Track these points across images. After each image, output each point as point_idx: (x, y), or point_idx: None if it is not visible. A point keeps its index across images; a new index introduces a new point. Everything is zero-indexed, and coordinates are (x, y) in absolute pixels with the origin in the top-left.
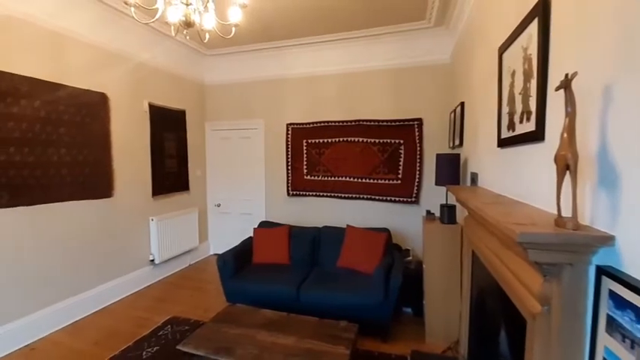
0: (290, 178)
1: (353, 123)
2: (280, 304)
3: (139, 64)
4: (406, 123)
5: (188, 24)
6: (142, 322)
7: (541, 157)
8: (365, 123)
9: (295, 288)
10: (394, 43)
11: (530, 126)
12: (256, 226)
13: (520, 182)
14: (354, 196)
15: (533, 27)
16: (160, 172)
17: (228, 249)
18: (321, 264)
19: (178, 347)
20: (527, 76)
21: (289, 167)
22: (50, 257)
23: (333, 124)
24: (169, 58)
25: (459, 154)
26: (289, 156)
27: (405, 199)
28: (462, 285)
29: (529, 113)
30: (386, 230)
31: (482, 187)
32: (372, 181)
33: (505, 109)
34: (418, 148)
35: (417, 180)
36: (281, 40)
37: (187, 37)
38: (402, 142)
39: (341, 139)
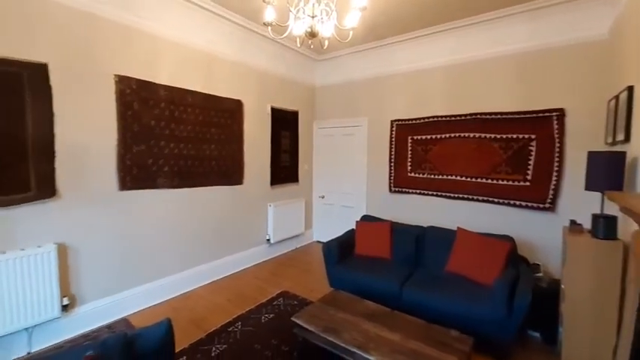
0: (392, 174)
1: (467, 117)
2: (381, 297)
3: (264, 73)
4: (540, 115)
5: (313, 34)
6: (261, 290)
7: None
8: (482, 117)
9: (398, 285)
10: (525, 24)
11: None
12: (358, 219)
13: None
14: (464, 196)
15: None
16: (277, 165)
17: (331, 238)
18: (425, 265)
19: (292, 319)
20: None
21: (392, 164)
22: (199, 229)
23: (442, 119)
24: (287, 66)
25: (624, 152)
26: (392, 152)
27: (535, 205)
28: (624, 318)
29: None
30: (509, 239)
31: None
32: (489, 181)
33: None
34: (557, 145)
35: (553, 182)
36: (384, 39)
37: (312, 46)
38: (532, 137)
39: (451, 135)
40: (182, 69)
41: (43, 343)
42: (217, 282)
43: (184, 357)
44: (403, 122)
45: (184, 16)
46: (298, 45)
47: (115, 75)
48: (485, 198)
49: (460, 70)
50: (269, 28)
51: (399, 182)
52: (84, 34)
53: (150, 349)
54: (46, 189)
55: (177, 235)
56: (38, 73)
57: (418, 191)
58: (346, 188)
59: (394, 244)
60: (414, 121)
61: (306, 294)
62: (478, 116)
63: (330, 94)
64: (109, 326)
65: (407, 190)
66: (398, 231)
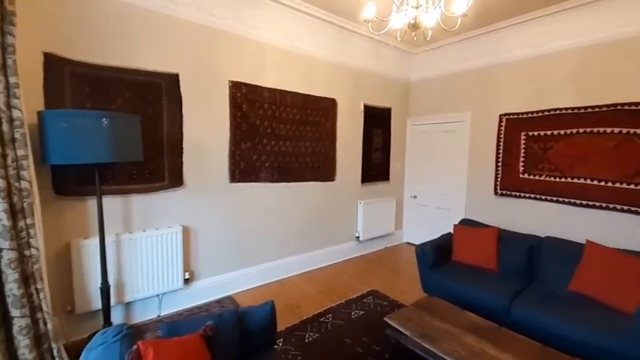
0: (500, 175)
1: (605, 109)
2: (483, 311)
3: (358, 71)
4: None
5: (416, 26)
6: (350, 286)
7: None
8: (628, 108)
9: (507, 300)
10: None
11: None
12: (456, 223)
13: None
14: (595, 204)
15: None
16: (368, 163)
17: (425, 241)
18: (541, 280)
19: (386, 319)
20: None
21: (499, 163)
22: (294, 221)
23: (568, 111)
24: (381, 62)
25: None
26: (500, 151)
27: None
28: None
29: None
30: None
31: None
32: (633, 187)
33: None
34: None
35: None
36: (496, 23)
37: (415, 38)
38: None
39: (580, 131)
40: (283, 72)
41: (169, 309)
42: (308, 273)
43: (281, 339)
44: (516, 116)
45: (287, 23)
46: (398, 39)
47: (229, 81)
48: (626, 207)
49: (598, 52)
50: (369, 24)
51: (508, 184)
52: (206, 46)
53: (256, 327)
54: (176, 179)
55: (275, 225)
56: (172, 82)
57: (532, 195)
58: (442, 189)
59: (501, 253)
60: (529, 115)
61: (397, 296)
62: (621, 107)
63: (426, 89)
64: (218, 301)
65: (517, 193)
66: (506, 239)
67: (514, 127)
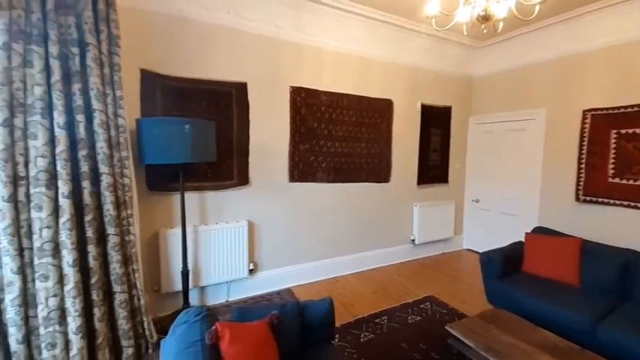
0: (583, 179)
1: None
2: (560, 329)
3: (415, 70)
4: None
5: (486, 18)
6: (405, 289)
7: None
8: None
9: (591, 319)
10: None
11: None
12: (528, 231)
13: None
14: None
15: None
16: (425, 164)
17: (490, 249)
18: (636, 301)
19: (447, 328)
20: None
21: (582, 166)
22: (349, 221)
23: None
24: (441, 59)
25: None
26: (583, 151)
27: None
28: None
29: None
30: None
31: None
32: None
33: None
34: None
35: None
36: (577, 8)
37: (485, 31)
38: None
39: None
40: (340, 75)
41: (236, 295)
42: (362, 273)
43: (336, 335)
44: (604, 112)
45: (343, 27)
46: (465, 33)
47: (290, 86)
48: None
49: None
50: (432, 20)
51: (594, 190)
52: (270, 56)
53: (315, 321)
54: (243, 178)
55: (330, 224)
56: (241, 90)
57: (626, 203)
58: (509, 192)
59: (585, 267)
60: (622, 110)
61: (457, 304)
62: None
63: (492, 85)
64: (278, 292)
65: (606, 200)
66: (591, 252)
67: (602, 124)
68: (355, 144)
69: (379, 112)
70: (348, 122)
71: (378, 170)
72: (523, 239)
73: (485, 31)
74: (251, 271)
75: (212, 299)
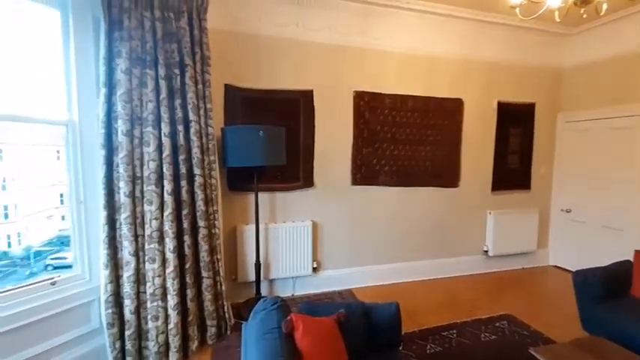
0: None
1: None
2: None
3: (491, 65)
4: None
5: (586, 1)
6: (476, 304)
7: None
8: None
9: None
10: None
11: None
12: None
13: None
14: None
15: None
16: (501, 168)
17: (585, 267)
18: None
19: (531, 351)
20: None
21: None
22: (411, 227)
23: None
24: (521, 51)
25: None
26: None
27: None
28: None
29: None
30: None
31: None
32: None
33: None
34: None
35: None
36: None
37: (584, 15)
38: None
39: None
40: (405, 76)
41: (300, 291)
42: (426, 282)
43: (402, 342)
44: None
45: (411, 27)
46: (557, 20)
47: (354, 91)
48: None
49: None
50: (517, 9)
51: None
52: (334, 62)
53: (381, 324)
54: (308, 181)
55: (392, 228)
56: (307, 97)
57: None
58: (611, 202)
59: None
60: None
61: (541, 327)
62: None
63: (587, 76)
64: (339, 292)
65: None
66: None
67: None
68: (420, 147)
69: (447, 112)
70: (412, 124)
71: (445, 174)
72: (632, 258)
73: (585, 16)
74: (314, 270)
75: (279, 292)
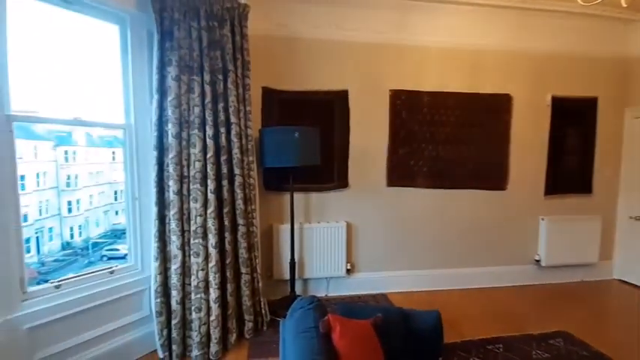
0: None
1: None
2: None
3: (544, 56)
4: None
5: None
6: (525, 318)
7: None
8: None
9: None
10: None
11: None
12: None
13: None
14: None
15: None
16: (556, 170)
17: None
18: None
19: None
20: None
21: None
22: (452, 231)
23: None
24: (580, 40)
25: None
26: None
27: None
28: None
29: None
30: None
31: None
32: None
33: None
34: None
35: None
36: None
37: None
38: None
39: None
40: (445, 73)
41: (334, 292)
42: (469, 290)
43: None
44: None
45: (452, 20)
46: (624, 4)
47: (390, 90)
48: None
49: None
50: None
51: None
52: (369, 61)
53: (421, 332)
54: (343, 181)
55: (431, 232)
56: (342, 97)
57: None
58: None
59: None
60: None
61: (605, 348)
62: None
63: None
64: (373, 296)
65: None
66: None
67: None
68: (461, 147)
69: (493, 109)
70: (453, 123)
71: (490, 176)
72: None
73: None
74: (348, 271)
75: (313, 291)
